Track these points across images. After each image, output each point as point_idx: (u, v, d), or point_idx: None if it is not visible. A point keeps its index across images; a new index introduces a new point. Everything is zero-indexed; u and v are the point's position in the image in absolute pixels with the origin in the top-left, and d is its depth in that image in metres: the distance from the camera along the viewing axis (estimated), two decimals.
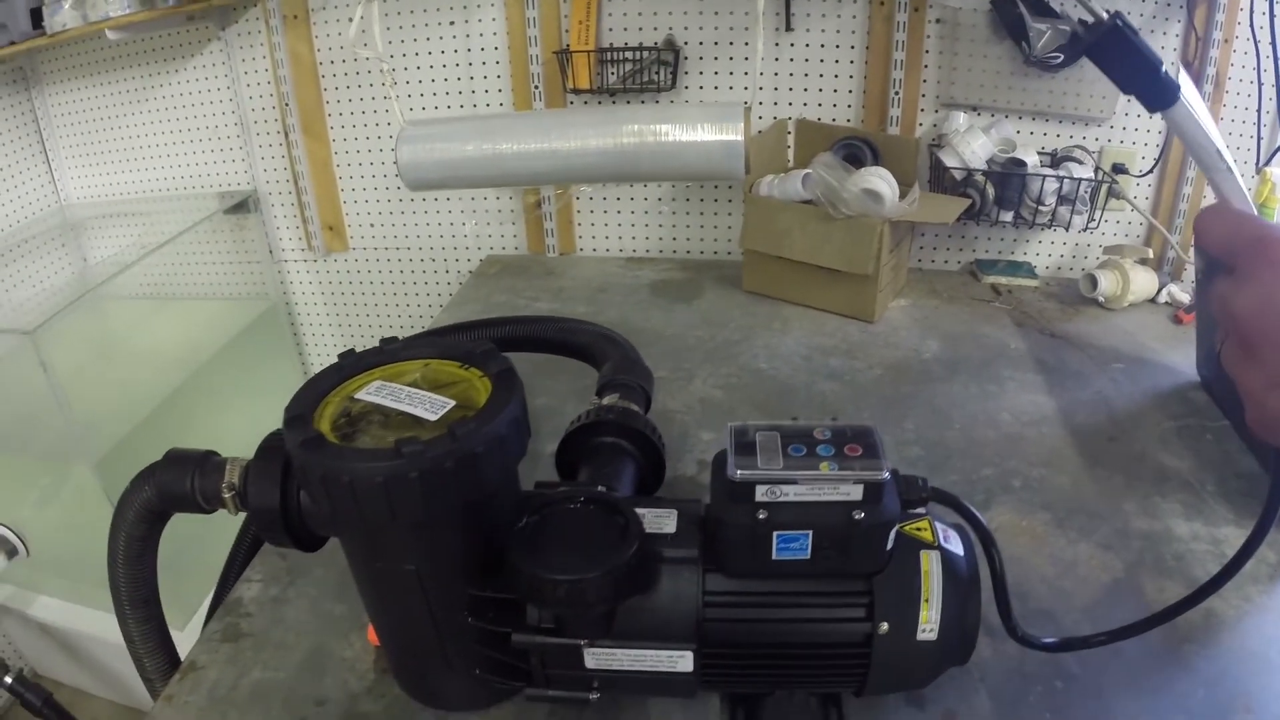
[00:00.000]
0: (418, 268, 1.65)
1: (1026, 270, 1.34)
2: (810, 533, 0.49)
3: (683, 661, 0.51)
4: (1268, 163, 1.22)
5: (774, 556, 0.50)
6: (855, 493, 0.49)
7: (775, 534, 0.49)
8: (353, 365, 0.54)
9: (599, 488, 0.55)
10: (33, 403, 1.27)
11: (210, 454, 0.57)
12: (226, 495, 0.55)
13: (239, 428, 1.63)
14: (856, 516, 0.50)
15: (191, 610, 1.34)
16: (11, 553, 1.39)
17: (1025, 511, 0.83)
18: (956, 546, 0.56)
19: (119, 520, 0.60)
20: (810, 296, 1.24)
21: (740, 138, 0.82)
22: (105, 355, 1.47)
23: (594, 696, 0.53)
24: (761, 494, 0.49)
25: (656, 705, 0.61)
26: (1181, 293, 1.25)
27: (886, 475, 0.49)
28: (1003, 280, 1.32)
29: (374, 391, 0.51)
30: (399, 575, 0.51)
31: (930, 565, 0.53)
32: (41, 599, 1.51)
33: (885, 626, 0.51)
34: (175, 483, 0.56)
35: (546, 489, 0.55)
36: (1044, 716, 0.60)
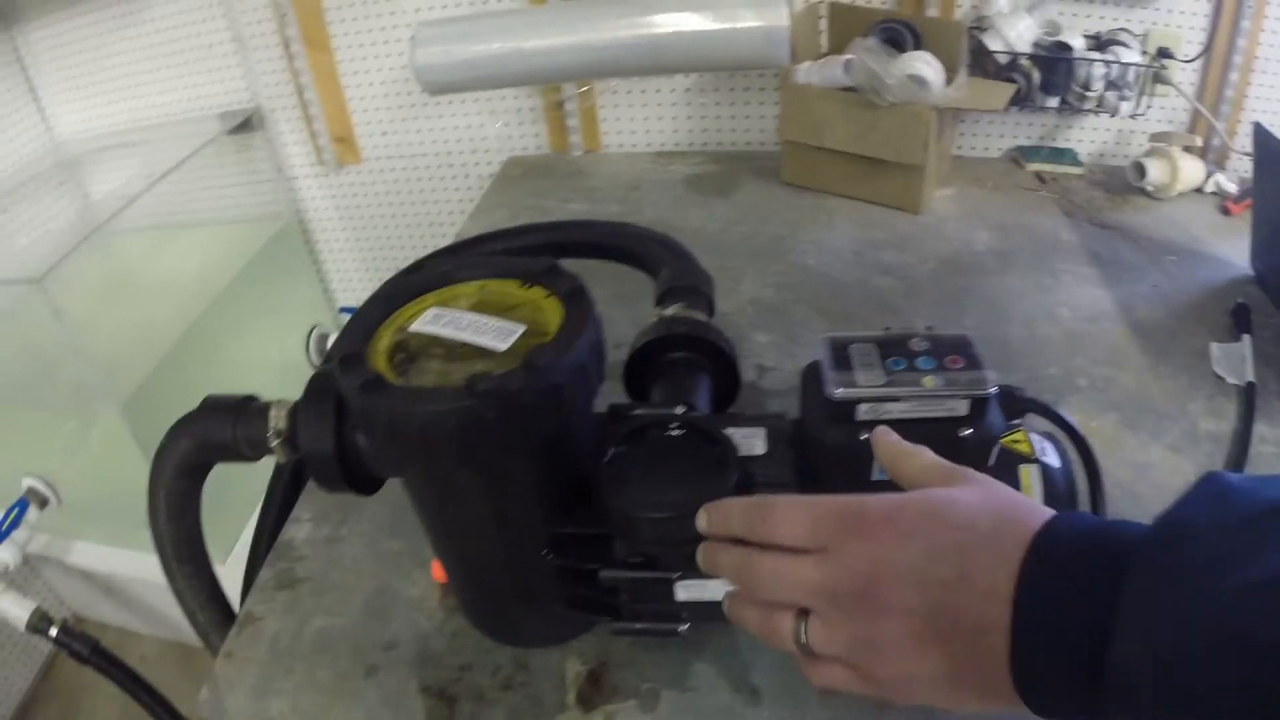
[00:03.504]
0: (436, 174, 1.57)
1: (1070, 157, 1.28)
2: None
3: None
4: None
5: (873, 478, 0.47)
6: (961, 408, 0.46)
7: None
8: (401, 293, 0.49)
9: (679, 408, 0.51)
10: (48, 352, 1.23)
11: (250, 399, 0.53)
12: (274, 442, 0.51)
13: (264, 353, 1.60)
14: (963, 434, 0.46)
15: (230, 544, 1.33)
16: (43, 503, 1.38)
17: (1094, 412, 0.80)
18: (1054, 459, 0.53)
19: (157, 476, 0.56)
20: (853, 188, 1.18)
21: (785, 23, 0.75)
22: (118, 294, 1.41)
23: (683, 629, 0.51)
24: (863, 413, 0.45)
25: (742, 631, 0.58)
26: (1228, 182, 1.20)
27: (994, 390, 0.46)
28: (1047, 168, 1.26)
29: (430, 321, 0.46)
30: (471, 518, 0.48)
31: (1031, 480, 0.51)
32: (79, 544, 1.50)
33: None
34: (215, 432, 0.52)
35: (623, 412, 0.51)
36: None
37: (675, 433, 0.47)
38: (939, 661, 0.35)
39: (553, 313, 0.46)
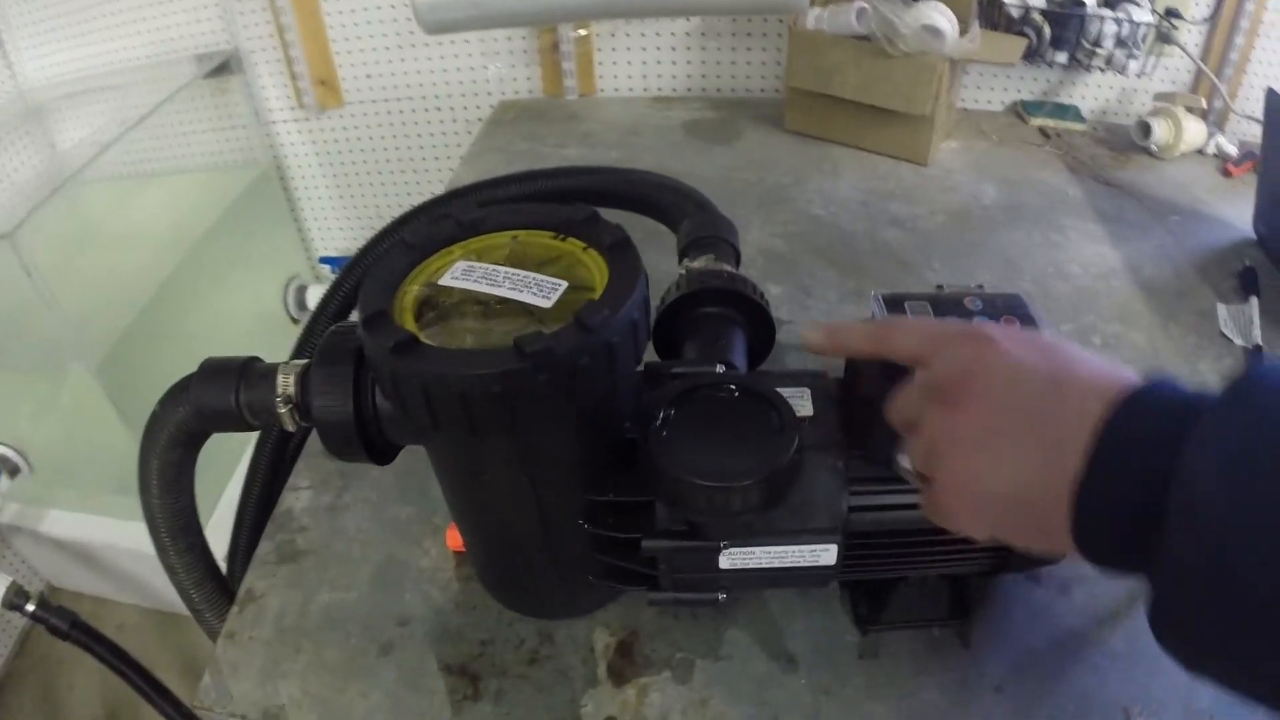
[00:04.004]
0: (423, 118, 1.51)
1: (1074, 114, 1.27)
2: None
3: (826, 555, 0.46)
4: None
5: None
6: None
7: None
8: (425, 243, 0.46)
9: (717, 366, 0.48)
10: (17, 309, 1.17)
11: (252, 361, 0.49)
12: (282, 410, 0.46)
13: (241, 305, 1.54)
14: None
15: (209, 509, 1.28)
16: (14, 471, 1.32)
17: None
18: None
19: (150, 445, 0.52)
20: (860, 137, 1.17)
21: None
22: (89, 247, 1.35)
23: (722, 597, 0.49)
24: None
25: (775, 595, 0.57)
26: (1229, 144, 1.19)
27: None
28: (1050, 123, 1.25)
29: (462, 274, 0.43)
30: (504, 486, 0.45)
31: None
32: (52, 513, 1.45)
33: None
34: (216, 399, 0.47)
35: (661, 372, 0.48)
36: None
37: (726, 395, 0.44)
38: (1006, 467, 0.35)
39: (594, 266, 0.42)
